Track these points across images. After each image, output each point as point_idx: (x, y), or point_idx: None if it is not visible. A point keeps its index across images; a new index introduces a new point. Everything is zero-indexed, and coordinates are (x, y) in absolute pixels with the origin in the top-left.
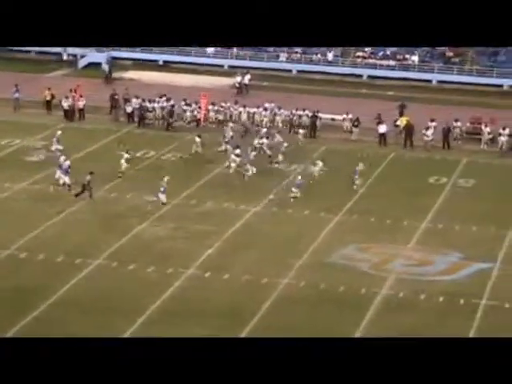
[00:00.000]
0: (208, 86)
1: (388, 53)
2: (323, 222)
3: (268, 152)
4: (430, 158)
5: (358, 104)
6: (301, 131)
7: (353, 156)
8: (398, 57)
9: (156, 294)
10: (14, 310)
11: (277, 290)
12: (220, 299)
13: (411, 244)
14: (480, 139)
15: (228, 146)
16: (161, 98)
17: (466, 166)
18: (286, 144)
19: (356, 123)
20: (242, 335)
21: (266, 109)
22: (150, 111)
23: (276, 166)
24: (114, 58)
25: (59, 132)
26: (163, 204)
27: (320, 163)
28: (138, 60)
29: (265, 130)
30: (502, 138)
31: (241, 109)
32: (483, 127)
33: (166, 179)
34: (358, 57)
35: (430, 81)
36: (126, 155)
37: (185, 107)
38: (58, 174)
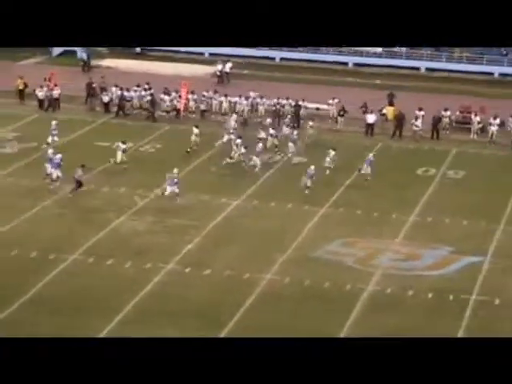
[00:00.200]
0: (188, 75)
1: None
2: (307, 215)
3: (276, 142)
4: (418, 149)
5: (343, 93)
6: (310, 123)
7: (339, 146)
8: None
9: (134, 290)
10: None
11: (259, 287)
12: (200, 295)
13: (399, 238)
14: (470, 129)
15: (232, 137)
16: (138, 86)
17: (455, 156)
18: (296, 132)
19: (342, 112)
20: (223, 333)
21: (247, 98)
22: (129, 100)
23: (278, 157)
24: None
25: (54, 122)
26: (177, 196)
27: (332, 152)
28: (115, 47)
29: (269, 120)
30: (493, 128)
31: (222, 98)
32: (473, 116)
33: (175, 171)
34: None
35: (418, 68)
36: (123, 145)
37: (163, 96)
38: (50, 168)
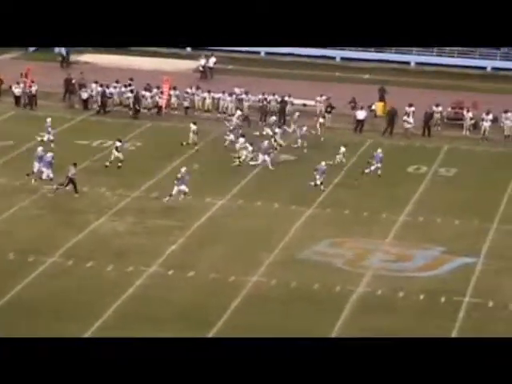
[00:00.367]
0: (170, 70)
1: None
2: (294, 215)
3: (281, 142)
4: (409, 146)
5: (331, 88)
6: (321, 120)
7: (328, 144)
8: None
9: (115, 293)
10: None
11: (245, 289)
12: (184, 299)
13: (389, 238)
14: (462, 125)
15: (232, 136)
16: (117, 82)
17: (447, 153)
18: (305, 128)
19: (329, 109)
20: (209, 336)
21: (231, 94)
22: (109, 97)
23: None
24: None
25: (49, 119)
26: (185, 194)
27: (343, 148)
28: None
29: (274, 118)
30: (485, 124)
31: (205, 94)
32: (465, 112)
33: (183, 170)
34: None
35: (408, 63)
36: (118, 143)
37: (144, 93)
38: (37, 167)
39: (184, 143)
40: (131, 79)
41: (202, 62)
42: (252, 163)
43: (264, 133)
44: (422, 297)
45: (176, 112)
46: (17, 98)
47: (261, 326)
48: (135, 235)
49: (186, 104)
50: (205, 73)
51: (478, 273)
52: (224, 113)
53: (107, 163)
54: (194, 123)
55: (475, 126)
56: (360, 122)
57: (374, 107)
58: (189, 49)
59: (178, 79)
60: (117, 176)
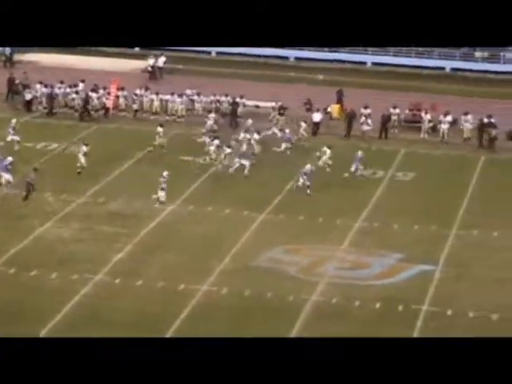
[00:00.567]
0: (117, 70)
1: None
2: (247, 221)
3: (256, 148)
4: (365, 150)
5: (284, 89)
6: (303, 124)
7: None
8: None
9: (60, 303)
10: None
11: (195, 298)
12: (132, 308)
13: (345, 245)
14: (420, 128)
15: (207, 139)
16: (62, 83)
17: (404, 157)
18: (288, 131)
19: (282, 111)
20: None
21: (181, 95)
22: (54, 98)
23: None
24: None
25: (14, 120)
26: (161, 203)
27: (328, 150)
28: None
29: (250, 121)
30: (443, 126)
31: (153, 96)
32: (423, 114)
33: (165, 174)
34: None
35: (364, 63)
36: (85, 148)
37: (91, 94)
38: None
39: (151, 148)
40: (83, 81)
41: (151, 61)
42: (231, 170)
43: (240, 137)
44: (378, 305)
45: (124, 114)
46: None
47: (211, 336)
48: (81, 242)
49: (135, 107)
50: (154, 73)
51: (437, 280)
52: (173, 115)
53: (79, 170)
54: (161, 125)
55: (434, 129)
56: (316, 125)
57: (329, 109)
58: (137, 48)
59: (126, 80)
60: (63, 180)
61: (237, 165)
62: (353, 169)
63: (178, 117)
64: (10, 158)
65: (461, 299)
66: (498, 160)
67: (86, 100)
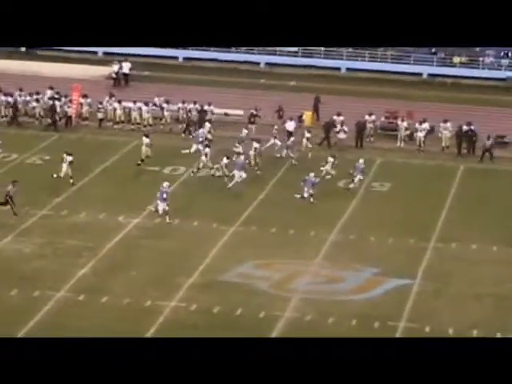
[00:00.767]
0: (79, 77)
1: None
2: (216, 234)
3: (252, 160)
4: (339, 158)
5: (255, 96)
6: (307, 134)
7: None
8: None
9: (21, 321)
10: None
11: (163, 315)
12: (97, 325)
13: (318, 259)
14: (396, 136)
15: (200, 147)
16: (21, 91)
17: (380, 166)
18: (292, 139)
19: (252, 119)
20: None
21: (147, 103)
22: (16, 106)
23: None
24: None
25: None
26: (156, 211)
27: (331, 159)
28: None
29: (246, 131)
30: (419, 134)
31: (116, 104)
32: (400, 122)
33: (165, 184)
34: None
35: (338, 68)
36: (69, 158)
37: (52, 102)
38: None
39: (139, 162)
40: (51, 88)
41: (115, 67)
42: (229, 185)
43: (236, 149)
44: (354, 322)
45: (87, 122)
46: None
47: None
48: (42, 257)
49: (100, 116)
50: (118, 80)
51: (414, 295)
52: (138, 124)
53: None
54: (147, 136)
55: (411, 137)
56: (290, 134)
57: (304, 117)
58: (100, 53)
59: (89, 87)
60: (23, 192)
61: (237, 179)
62: (356, 179)
63: (145, 126)
64: None
65: (439, 315)
66: (477, 169)
67: (53, 109)
